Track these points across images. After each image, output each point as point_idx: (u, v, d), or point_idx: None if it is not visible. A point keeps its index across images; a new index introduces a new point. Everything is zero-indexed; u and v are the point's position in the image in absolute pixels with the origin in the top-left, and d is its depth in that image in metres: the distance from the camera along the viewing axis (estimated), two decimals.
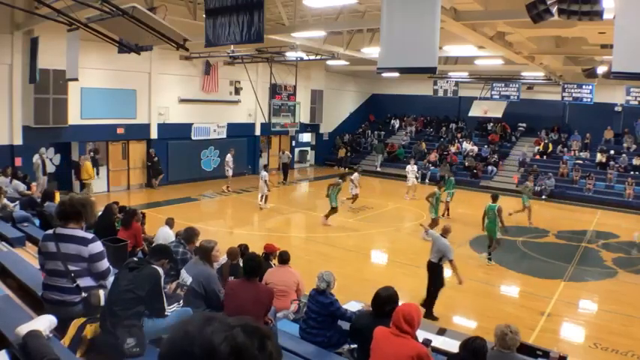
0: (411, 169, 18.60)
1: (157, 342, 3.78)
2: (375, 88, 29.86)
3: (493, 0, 9.21)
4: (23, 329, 3.13)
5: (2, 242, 6.29)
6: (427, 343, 4.24)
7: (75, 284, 3.75)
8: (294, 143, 25.39)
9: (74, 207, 3.78)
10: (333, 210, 14.10)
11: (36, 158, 14.69)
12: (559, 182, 20.62)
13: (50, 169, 15.71)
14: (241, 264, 5.78)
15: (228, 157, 18.80)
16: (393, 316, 3.81)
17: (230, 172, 18.71)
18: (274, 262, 7.02)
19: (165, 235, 7.99)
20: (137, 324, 3.69)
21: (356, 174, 16.34)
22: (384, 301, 4.33)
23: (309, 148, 27.16)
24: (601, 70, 14.54)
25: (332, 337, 5.17)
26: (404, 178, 23.26)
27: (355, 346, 4.96)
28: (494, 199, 11.24)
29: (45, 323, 3.26)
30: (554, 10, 5.92)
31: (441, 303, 8.81)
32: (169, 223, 8.49)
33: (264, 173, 15.79)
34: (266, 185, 15.69)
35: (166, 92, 18.74)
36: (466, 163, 23.14)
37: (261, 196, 15.81)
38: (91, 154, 16.81)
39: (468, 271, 10.65)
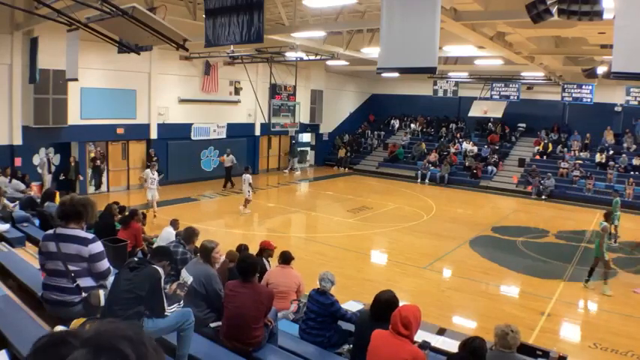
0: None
1: (157, 342, 3.78)
2: (375, 88, 29.86)
3: (493, 0, 9.22)
4: None
5: (2, 242, 6.29)
6: (425, 345, 4.22)
7: (75, 284, 3.75)
8: (293, 143, 25.36)
9: (75, 207, 3.78)
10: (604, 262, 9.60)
11: (42, 156, 14.65)
12: (559, 182, 20.62)
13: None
14: None
15: (146, 172, 14.46)
16: (392, 319, 3.76)
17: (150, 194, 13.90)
18: (272, 261, 7.01)
19: (167, 236, 7.99)
20: (137, 324, 3.68)
21: (247, 175, 14.97)
22: (383, 306, 4.29)
23: (308, 149, 27.15)
24: (601, 70, 14.53)
25: (331, 337, 5.18)
26: (403, 178, 23.43)
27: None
28: (607, 217, 10.15)
29: None
30: (554, 10, 5.93)
31: (441, 303, 8.85)
32: (173, 224, 8.49)
33: (247, 176, 14.92)
34: (250, 189, 14.98)
35: (166, 92, 18.73)
36: (466, 163, 23.15)
37: (245, 202, 14.98)
38: (97, 162, 16.81)
39: (466, 271, 10.70)
